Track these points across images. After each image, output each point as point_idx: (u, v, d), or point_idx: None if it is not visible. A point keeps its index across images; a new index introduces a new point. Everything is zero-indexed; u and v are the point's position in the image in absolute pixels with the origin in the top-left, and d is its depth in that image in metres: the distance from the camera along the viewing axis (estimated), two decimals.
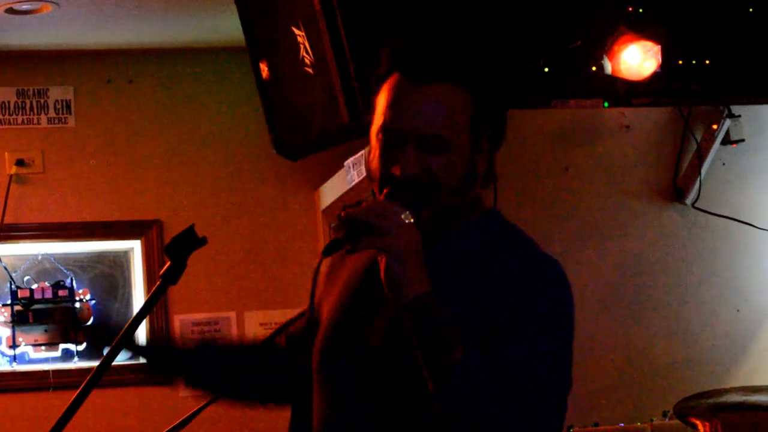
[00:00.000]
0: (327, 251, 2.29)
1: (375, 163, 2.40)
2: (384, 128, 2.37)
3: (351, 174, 5.43)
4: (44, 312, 6.26)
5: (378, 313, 2.36)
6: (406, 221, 2.25)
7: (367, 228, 2.24)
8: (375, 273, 2.28)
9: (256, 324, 6.36)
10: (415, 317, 2.22)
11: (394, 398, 2.31)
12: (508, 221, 2.49)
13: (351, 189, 5.50)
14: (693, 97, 4.94)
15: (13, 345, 6.22)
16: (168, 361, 2.75)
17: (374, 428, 2.34)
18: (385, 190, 2.34)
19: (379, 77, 2.42)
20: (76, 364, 6.24)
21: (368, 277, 2.41)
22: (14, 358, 6.22)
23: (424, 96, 2.35)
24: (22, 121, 6.39)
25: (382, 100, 2.40)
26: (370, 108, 2.44)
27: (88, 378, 2.29)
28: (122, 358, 6.11)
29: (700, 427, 4.26)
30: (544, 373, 2.24)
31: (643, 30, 4.64)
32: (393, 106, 2.37)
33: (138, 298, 6.37)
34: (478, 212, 2.45)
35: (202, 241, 2.36)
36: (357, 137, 4.86)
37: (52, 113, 6.41)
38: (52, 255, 6.34)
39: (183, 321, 6.38)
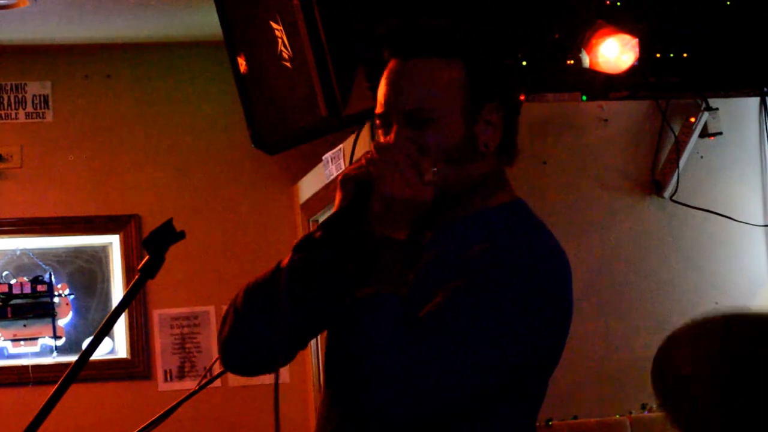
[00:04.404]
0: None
1: None
2: (377, 115, 2.35)
3: (329, 168, 5.42)
4: (23, 307, 6.25)
5: None
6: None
7: None
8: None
9: None
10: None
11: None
12: (531, 215, 2.44)
13: (329, 183, 5.50)
14: (671, 90, 4.95)
15: None
16: None
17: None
18: None
19: (381, 67, 2.37)
20: (55, 359, 6.23)
21: None
22: None
23: (406, 73, 2.31)
24: (0, 116, 6.36)
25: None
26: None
27: (66, 372, 2.28)
28: (101, 353, 6.14)
29: None
30: (452, 344, 2.18)
31: (620, 23, 4.65)
32: (382, 91, 2.34)
33: (117, 293, 6.36)
34: (497, 200, 2.40)
35: (180, 235, 2.35)
36: (335, 131, 4.86)
37: (30, 108, 6.39)
38: (31, 250, 6.32)
39: (162, 315, 6.37)
